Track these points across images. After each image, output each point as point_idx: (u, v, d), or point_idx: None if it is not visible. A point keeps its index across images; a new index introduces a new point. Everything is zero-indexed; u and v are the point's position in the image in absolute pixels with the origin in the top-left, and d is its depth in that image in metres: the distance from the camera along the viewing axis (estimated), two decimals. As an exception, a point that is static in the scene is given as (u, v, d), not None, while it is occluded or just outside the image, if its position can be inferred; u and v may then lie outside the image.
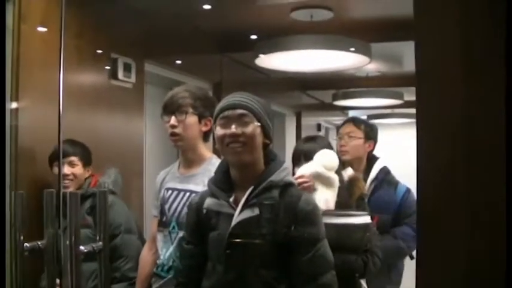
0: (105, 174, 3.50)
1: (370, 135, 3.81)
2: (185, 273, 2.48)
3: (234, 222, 2.24)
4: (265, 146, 2.36)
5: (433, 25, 1.31)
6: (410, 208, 3.50)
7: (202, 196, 2.41)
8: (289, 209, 2.23)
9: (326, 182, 2.71)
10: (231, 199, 2.30)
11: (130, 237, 3.36)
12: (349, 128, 3.81)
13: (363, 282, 2.81)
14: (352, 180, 3.04)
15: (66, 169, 3.32)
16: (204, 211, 2.36)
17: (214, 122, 2.36)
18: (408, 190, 3.63)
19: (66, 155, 3.31)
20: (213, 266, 2.31)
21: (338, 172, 2.84)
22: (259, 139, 2.30)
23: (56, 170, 3.30)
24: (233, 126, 2.26)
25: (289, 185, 2.31)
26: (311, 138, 3.12)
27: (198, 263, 2.38)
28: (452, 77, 1.28)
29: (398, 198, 3.60)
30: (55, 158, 3.29)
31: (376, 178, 3.67)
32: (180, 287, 2.47)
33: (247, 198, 2.26)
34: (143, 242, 3.36)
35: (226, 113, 2.30)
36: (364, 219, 2.75)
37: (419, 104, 1.32)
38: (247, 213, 2.23)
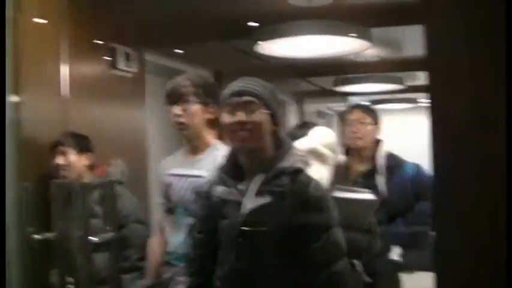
0: (112, 165, 3.49)
1: (377, 120, 3.84)
2: (197, 262, 2.47)
3: (244, 211, 2.22)
4: (274, 132, 2.32)
5: (441, 7, 1.30)
6: (425, 182, 3.58)
7: (212, 184, 2.39)
8: (299, 195, 2.21)
9: (321, 158, 2.68)
10: (241, 187, 2.28)
11: (138, 227, 3.36)
12: (359, 114, 3.83)
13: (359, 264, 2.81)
14: (347, 165, 3.04)
15: (59, 159, 3.33)
16: (214, 199, 2.34)
17: (221, 108, 2.32)
18: (416, 165, 3.71)
19: (61, 143, 3.34)
20: (225, 254, 2.29)
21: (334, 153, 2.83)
22: (267, 126, 2.26)
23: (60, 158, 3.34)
24: (239, 114, 2.23)
25: (298, 171, 2.27)
26: (304, 125, 3.12)
27: (210, 251, 2.37)
28: (461, 58, 1.27)
29: (410, 177, 3.68)
30: (57, 144, 3.36)
31: (385, 167, 3.69)
32: (193, 276, 2.46)
33: (257, 186, 2.23)
34: (150, 231, 3.35)
35: (232, 99, 2.26)
36: (369, 195, 2.74)
37: (431, 87, 1.31)
38: (258, 201, 2.21)
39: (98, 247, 2.04)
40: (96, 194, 3.18)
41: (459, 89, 1.27)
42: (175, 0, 4.54)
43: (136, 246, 3.27)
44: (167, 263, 2.90)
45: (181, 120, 2.82)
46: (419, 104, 10.79)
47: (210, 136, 2.91)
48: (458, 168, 1.28)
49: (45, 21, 3.44)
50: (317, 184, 2.29)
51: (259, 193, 2.22)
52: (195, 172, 2.83)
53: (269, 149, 2.31)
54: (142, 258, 3.21)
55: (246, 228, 2.21)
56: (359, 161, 3.74)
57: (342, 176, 2.96)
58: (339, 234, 2.26)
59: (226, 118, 2.27)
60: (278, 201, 2.20)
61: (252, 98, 2.24)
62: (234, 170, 2.33)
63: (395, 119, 9.78)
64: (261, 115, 2.24)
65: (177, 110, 2.81)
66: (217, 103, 2.68)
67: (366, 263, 2.79)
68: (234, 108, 2.25)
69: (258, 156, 2.29)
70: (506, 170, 1.21)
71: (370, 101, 9.98)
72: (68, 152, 3.34)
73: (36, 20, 3.43)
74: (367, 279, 2.73)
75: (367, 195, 2.74)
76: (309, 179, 2.29)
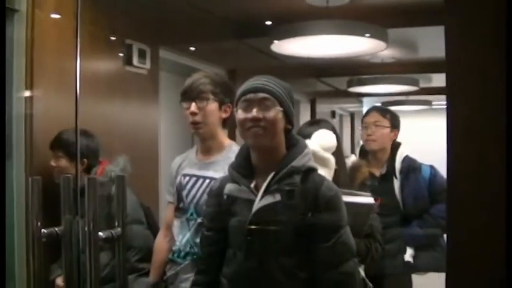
0: (114, 162, 3.42)
1: (395, 124, 3.83)
2: (206, 260, 2.45)
3: (254, 209, 2.20)
4: (287, 131, 2.30)
5: (460, 8, 1.28)
6: (440, 185, 3.60)
7: (223, 182, 2.37)
8: (310, 194, 2.20)
9: (321, 161, 2.66)
10: (252, 185, 2.26)
11: (138, 227, 3.29)
12: (375, 117, 3.83)
13: (361, 269, 2.79)
14: (355, 166, 3.02)
15: (52, 161, 3.30)
16: (225, 197, 2.32)
17: (236, 105, 2.30)
18: (432, 168, 3.73)
19: (55, 147, 3.31)
20: (233, 252, 2.28)
21: (339, 157, 2.81)
22: (281, 124, 2.24)
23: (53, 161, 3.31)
24: (254, 110, 2.21)
25: (311, 170, 2.26)
26: (315, 122, 3.10)
27: (218, 249, 2.35)
28: (479, 60, 1.25)
29: (426, 180, 3.69)
30: (52, 147, 3.33)
31: (401, 171, 3.70)
32: (201, 274, 2.45)
33: (268, 184, 2.21)
34: (157, 229, 3.31)
35: (248, 96, 2.24)
36: (367, 199, 2.72)
37: (448, 89, 1.29)
38: (269, 199, 2.20)
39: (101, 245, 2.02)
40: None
41: (476, 91, 1.25)
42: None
43: (135, 247, 3.20)
44: (172, 261, 2.88)
45: (197, 118, 2.79)
46: (434, 106, 10.77)
47: (223, 136, 2.89)
48: (473, 170, 1.26)
49: (61, 17, 3.45)
50: (329, 184, 2.28)
51: (270, 191, 2.21)
52: (211, 174, 2.80)
53: (282, 147, 2.29)
54: (142, 259, 3.16)
55: (255, 227, 2.19)
56: (375, 163, 3.74)
57: (352, 176, 2.94)
58: (349, 235, 2.24)
59: (240, 114, 2.25)
60: (289, 200, 2.19)
61: (267, 95, 2.23)
62: (245, 168, 2.32)
63: (409, 120, 9.74)
64: (275, 112, 2.22)
65: (193, 107, 2.79)
66: (233, 103, 2.67)
67: (367, 266, 2.78)
68: (249, 105, 2.23)
69: (271, 154, 2.28)
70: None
71: (384, 103, 9.97)
72: (61, 157, 3.30)
73: (52, 15, 3.44)
74: (370, 285, 2.72)
75: (365, 199, 2.71)
76: (322, 179, 2.28)
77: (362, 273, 2.75)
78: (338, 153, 2.82)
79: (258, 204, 2.21)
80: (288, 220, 2.17)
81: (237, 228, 2.25)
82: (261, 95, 2.23)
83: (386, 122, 3.78)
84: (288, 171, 2.21)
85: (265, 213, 2.19)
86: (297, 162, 2.23)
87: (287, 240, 2.18)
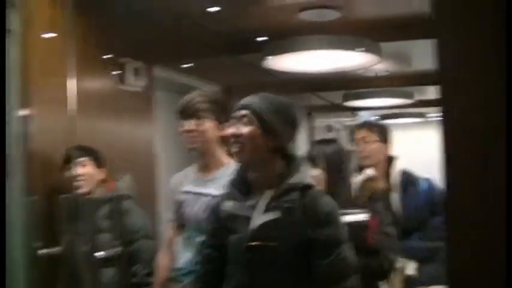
0: (121, 180, 3.48)
1: (384, 137, 3.83)
2: (205, 277, 2.44)
3: (253, 226, 2.20)
4: (276, 148, 2.27)
5: (452, 20, 1.29)
6: (438, 197, 3.61)
7: (222, 199, 2.37)
8: (309, 211, 2.18)
9: None
10: (250, 202, 2.26)
11: (148, 242, 3.34)
12: (363, 133, 3.84)
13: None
14: (366, 181, 3.00)
15: (78, 169, 3.30)
16: (224, 214, 2.32)
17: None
18: (427, 181, 3.74)
19: (75, 157, 3.31)
20: (233, 270, 2.27)
21: (344, 177, 2.80)
22: (258, 140, 2.23)
23: (67, 174, 3.30)
24: (235, 126, 2.25)
25: (308, 187, 2.25)
26: (322, 142, 3.09)
27: (218, 267, 2.34)
28: (475, 73, 1.26)
29: (424, 193, 3.71)
30: (66, 162, 3.31)
31: (400, 185, 3.72)
32: (200, 292, 2.44)
33: (266, 201, 2.21)
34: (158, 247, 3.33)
35: (234, 113, 2.29)
36: (359, 217, 2.71)
37: (443, 101, 1.29)
38: (267, 216, 2.19)
39: (106, 262, 2.02)
40: (105, 209, 3.17)
41: (470, 102, 1.26)
42: (185, 14, 4.55)
43: (144, 261, 3.24)
44: (175, 279, 2.87)
45: (193, 136, 2.80)
46: (429, 119, 10.78)
47: (222, 154, 2.89)
48: (469, 182, 1.26)
49: (53, 36, 3.45)
50: (327, 199, 2.27)
51: (269, 208, 2.20)
52: (211, 191, 2.79)
53: (275, 164, 2.28)
54: (151, 273, 3.18)
55: (254, 244, 2.18)
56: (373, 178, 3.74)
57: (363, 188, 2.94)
58: (350, 251, 2.23)
59: (229, 131, 2.30)
60: (287, 216, 2.18)
61: (247, 112, 2.25)
62: (243, 185, 2.32)
63: (405, 133, 9.76)
64: (251, 129, 2.22)
65: (190, 125, 2.79)
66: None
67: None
68: (233, 122, 2.28)
69: (265, 171, 2.27)
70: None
71: (379, 116, 9.98)
72: (87, 164, 3.35)
73: (44, 34, 3.44)
74: None
75: (359, 216, 2.70)
76: (319, 195, 2.27)
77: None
78: (342, 174, 2.80)
79: (256, 221, 2.20)
80: (287, 237, 2.16)
81: (236, 246, 2.24)
82: (242, 112, 2.26)
83: (374, 137, 3.78)
84: (286, 188, 2.21)
85: (264, 230, 2.18)
86: (294, 180, 2.23)
87: (286, 257, 2.17)
